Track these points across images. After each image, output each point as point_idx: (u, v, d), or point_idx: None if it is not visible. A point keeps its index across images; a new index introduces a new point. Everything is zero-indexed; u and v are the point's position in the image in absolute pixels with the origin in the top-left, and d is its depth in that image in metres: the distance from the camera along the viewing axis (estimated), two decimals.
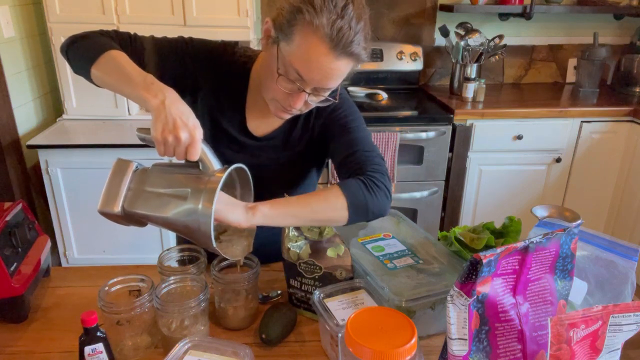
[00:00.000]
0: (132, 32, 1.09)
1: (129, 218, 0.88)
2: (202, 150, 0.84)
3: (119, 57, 0.94)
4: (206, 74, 1.09)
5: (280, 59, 0.93)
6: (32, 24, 2.40)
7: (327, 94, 0.98)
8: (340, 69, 0.92)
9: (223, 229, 0.97)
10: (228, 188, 0.96)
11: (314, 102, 0.99)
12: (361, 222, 1.02)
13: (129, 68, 0.91)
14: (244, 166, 0.91)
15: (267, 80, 0.99)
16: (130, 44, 1.06)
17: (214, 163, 0.86)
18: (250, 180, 0.95)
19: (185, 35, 1.11)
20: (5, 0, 2.17)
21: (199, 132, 0.82)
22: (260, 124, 1.14)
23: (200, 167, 0.85)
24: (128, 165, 0.88)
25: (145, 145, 0.87)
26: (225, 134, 1.13)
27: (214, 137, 1.13)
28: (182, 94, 1.12)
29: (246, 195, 0.98)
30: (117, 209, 0.86)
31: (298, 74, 0.91)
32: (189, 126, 0.81)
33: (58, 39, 2.25)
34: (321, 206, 0.96)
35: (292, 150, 1.16)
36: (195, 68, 1.08)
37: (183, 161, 0.84)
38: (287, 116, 1.05)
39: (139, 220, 0.89)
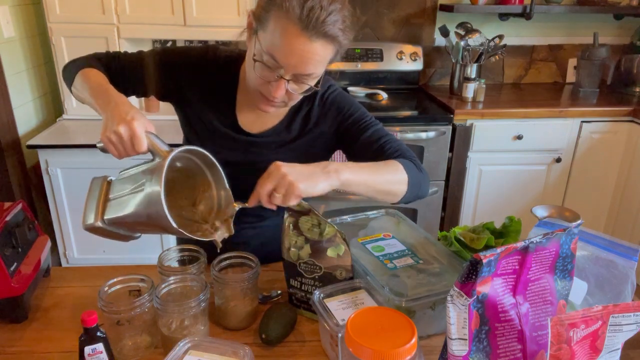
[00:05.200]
0: (122, 51, 1.14)
1: (114, 229, 0.91)
2: (150, 141, 0.85)
3: (89, 73, 1.00)
4: (190, 80, 1.11)
5: (257, 47, 0.94)
6: (32, 24, 2.40)
7: (309, 81, 0.97)
8: (316, 52, 0.91)
9: (202, 218, 0.97)
10: (197, 176, 0.96)
11: (296, 91, 0.98)
12: (408, 200, 1.04)
13: (93, 82, 0.96)
14: (200, 149, 0.91)
15: (248, 71, 0.99)
16: (116, 63, 1.10)
17: (165, 149, 0.86)
18: (214, 162, 0.94)
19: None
20: (5, 0, 2.17)
21: (137, 123, 0.83)
22: (254, 121, 1.14)
23: (156, 159, 0.86)
24: (101, 180, 0.93)
25: None
26: (219, 133, 1.13)
27: (209, 139, 1.14)
28: (172, 102, 1.16)
29: (216, 176, 0.96)
30: (98, 222, 0.89)
31: (274, 59, 0.91)
32: (126, 119, 0.83)
33: (58, 39, 2.25)
34: (392, 178, 0.98)
35: (290, 147, 1.15)
36: (177, 77, 1.11)
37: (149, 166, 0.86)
38: (271, 109, 1.03)
39: (126, 230, 0.93)
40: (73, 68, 1.04)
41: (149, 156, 0.88)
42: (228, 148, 1.14)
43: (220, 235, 0.94)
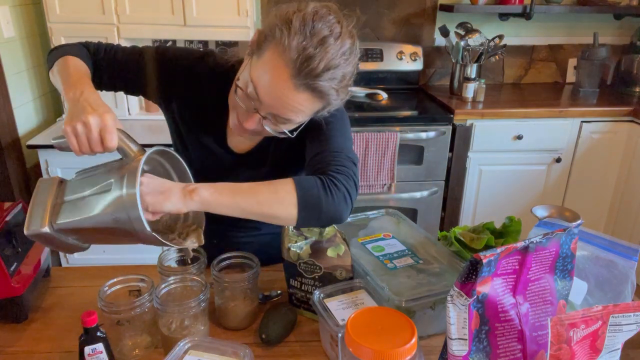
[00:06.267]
0: (115, 44, 1.08)
1: (62, 236, 0.82)
2: (120, 139, 0.79)
3: (69, 61, 0.94)
4: (181, 85, 1.06)
5: (245, 72, 0.88)
6: (32, 24, 2.40)
7: (286, 125, 0.90)
8: (298, 102, 0.85)
9: (168, 228, 0.94)
10: (164, 178, 0.90)
11: (271, 130, 0.91)
12: (313, 226, 0.92)
13: (70, 70, 0.91)
14: (171, 151, 0.88)
15: (232, 89, 0.95)
16: (105, 56, 1.05)
17: (136, 149, 0.81)
18: (183, 163, 0.91)
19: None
20: (5, 0, 2.17)
21: (110, 117, 0.77)
22: (243, 140, 1.10)
23: (124, 159, 0.81)
24: (51, 181, 0.83)
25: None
26: (203, 148, 1.10)
27: (195, 150, 1.11)
28: (158, 104, 1.11)
29: (185, 180, 0.93)
30: (45, 227, 0.79)
31: (255, 92, 0.86)
32: (98, 111, 0.77)
33: (58, 39, 2.25)
34: (268, 199, 0.86)
35: (271, 165, 1.10)
36: (167, 80, 1.06)
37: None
38: (243, 134, 0.97)
39: (76, 238, 0.84)
40: (57, 53, 0.98)
41: (108, 158, 0.81)
42: (209, 163, 1.11)
43: (190, 244, 0.90)
